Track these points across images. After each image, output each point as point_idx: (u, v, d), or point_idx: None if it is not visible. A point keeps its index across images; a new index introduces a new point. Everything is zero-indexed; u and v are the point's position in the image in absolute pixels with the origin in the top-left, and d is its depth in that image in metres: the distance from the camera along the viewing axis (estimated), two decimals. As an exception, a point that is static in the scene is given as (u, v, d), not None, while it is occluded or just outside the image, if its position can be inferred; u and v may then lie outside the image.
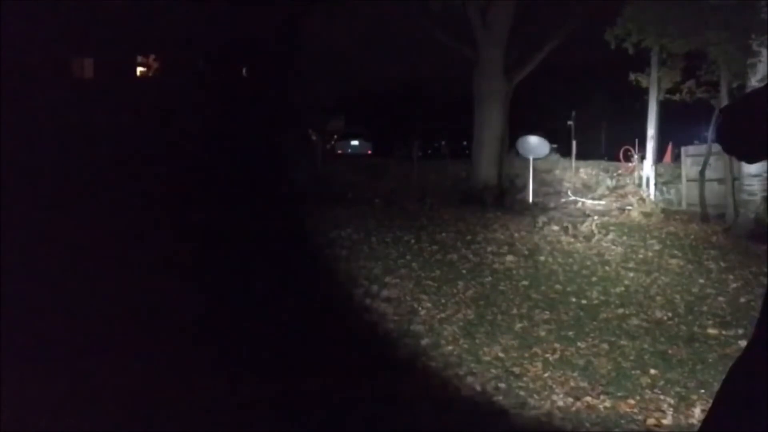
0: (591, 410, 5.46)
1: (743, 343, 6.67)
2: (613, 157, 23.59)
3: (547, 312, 8.13)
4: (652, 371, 6.26)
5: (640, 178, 19.77)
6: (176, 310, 7.36)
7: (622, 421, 5.33)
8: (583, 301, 8.62)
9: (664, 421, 5.31)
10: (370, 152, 30.32)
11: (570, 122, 20.45)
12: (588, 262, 10.59)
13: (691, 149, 19.03)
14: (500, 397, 5.67)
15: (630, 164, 21.12)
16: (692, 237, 12.90)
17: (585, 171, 22.65)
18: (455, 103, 27.62)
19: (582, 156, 24.21)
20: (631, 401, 5.63)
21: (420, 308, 8.14)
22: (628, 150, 21.06)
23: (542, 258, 10.71)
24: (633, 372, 6.26)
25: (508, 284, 9.30)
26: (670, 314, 8.12)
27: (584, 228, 12.41)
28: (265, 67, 17.54)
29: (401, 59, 27.92)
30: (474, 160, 19.05)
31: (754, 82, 13.70)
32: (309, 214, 13.69)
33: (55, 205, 9.95)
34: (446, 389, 5.84)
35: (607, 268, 10.31)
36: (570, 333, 7.38)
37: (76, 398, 4.83)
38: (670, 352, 6.83)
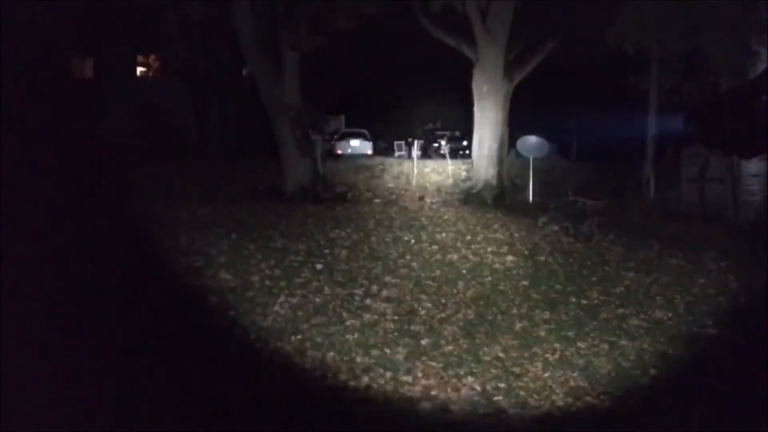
0: (591, 410, 5.46)
1: (743, 343, 6.68)
2: (614, 158, 23.61)
3: (547, 312, 8.13)
4: (652, 371, 6.26)
5: (640, 177, 19.79)
6: (182, 304, 7.36)
7: (623, 421, 5.34)
8: (583, 301, 8.62)
9: (664, 421, 5.31)
10: (370, 152, 30.29)
11: (570, 122, 20.45)
12: (588, 262, 10.59)
13: (691, 149, 19.03)
14: (500, 397, 5.67)
15: (630, 164, 21.13)
16: (692, 237, 12.89)
17: (584, 171, 22.66)
18: (455, 103, 27.63)
19: (582, 156, 24.23)
20: (631, 401, 5.64)
21: (420, 308, 8.14)
22: (627, 150, 21.07)
23: (542, 258, 10.71)
24: (633, 372, 6.27)
25: (508, 284, 9.30)
26: (670, 314, 8.12)
27: (584, 228, 12.41)
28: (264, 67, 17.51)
29: (401, 58, 27.93)
30: (474, 160, 19.05)
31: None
32: (309, 214, 13.69)
33: (53, 204, 9.95)
34: (446, 389, 5.85)
35: (607, 268, 10.31)
36: (570, 333, 7.38)
37: (75, 398, 4.83)
38: (670, 352, 6.83)
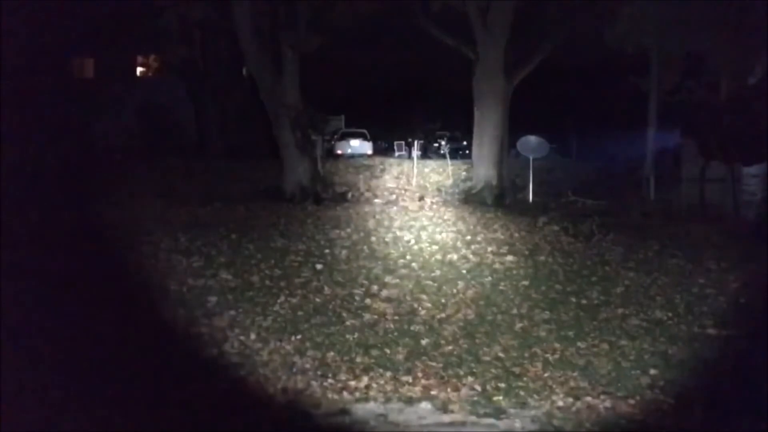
0: (591, 410, 5.46)
1: (743, 343, 6.67)
2: (613, 158, 23.64)
3: (547, 312, 8.12)
4: (652, 371, 6.26)
5: (640, 178, 19.81)
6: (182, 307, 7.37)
7: (622, 421, 5.33)
8: (583, 301, 8.62)
9: (664, 421, 5.31)
10: (370, 152, 30.33)
11: (570, 122, 20.44)
12: (588, 262, 10.58)
13: (691, 150, 19.03)
14: (500, 397, 5.67)
15: (630, 164, 21.13)
16: (692, 237, 12.88)
17: (584, 171, 22.68)
18: (455, 103, 27.66)
19: (582, 156, 24.24)
20: (631, 401, 5.63)
21: (420, 308, 8.14)
22: (627, 150, 21.06)
23: (542, 258, 10.71)
24: (633, 372, 6.26)
25: (508, 284, 9.30)
26: (670, 314, 8.11)
27: (584, 228, 12.41)
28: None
29: (401, 59, 27.98)
30: (474, 160, 19.06)
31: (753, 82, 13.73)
32: (309, 214, 13.70)
33: (53, 203, 9.96)
34: (446, 389, 5.84)
35: (607, 268, 10.30)
36: (570, 333, 7.38)
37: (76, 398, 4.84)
38: (670, 352, 6.82)
